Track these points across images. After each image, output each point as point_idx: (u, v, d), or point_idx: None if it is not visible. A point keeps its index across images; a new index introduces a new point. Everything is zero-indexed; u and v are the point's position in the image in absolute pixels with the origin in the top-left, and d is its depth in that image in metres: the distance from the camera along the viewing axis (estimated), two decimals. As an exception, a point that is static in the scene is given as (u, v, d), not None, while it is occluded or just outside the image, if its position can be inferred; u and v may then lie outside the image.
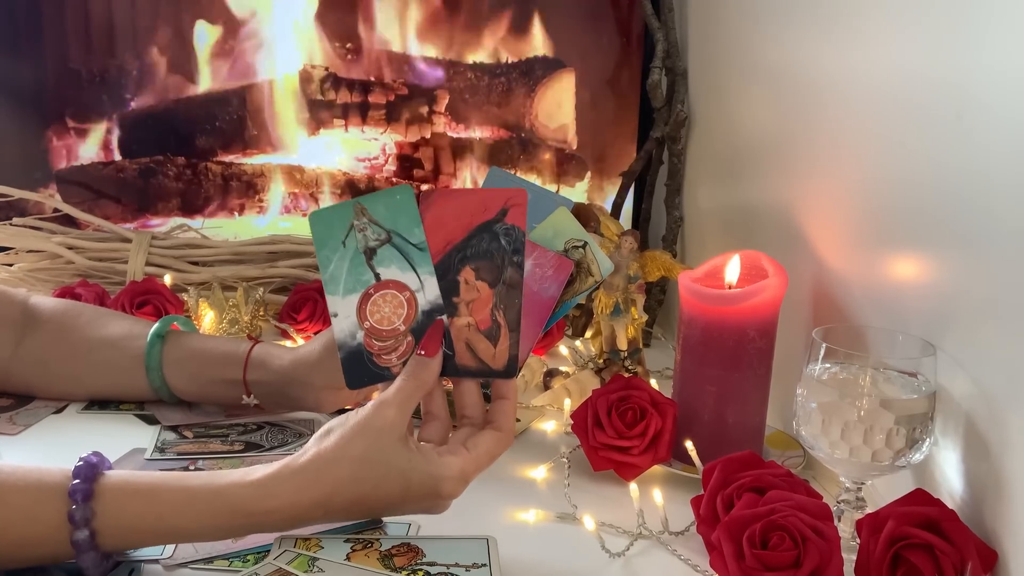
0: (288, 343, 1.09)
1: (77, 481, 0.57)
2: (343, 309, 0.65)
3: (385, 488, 0.60)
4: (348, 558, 0.61)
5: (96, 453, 0.60)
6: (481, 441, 0.63)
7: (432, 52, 1.32)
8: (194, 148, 1.32)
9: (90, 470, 0.58)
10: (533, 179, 1.35)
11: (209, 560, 0.63)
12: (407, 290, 0.65)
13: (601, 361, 0.97)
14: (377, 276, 0.65)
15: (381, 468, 0.60)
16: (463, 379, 0.65)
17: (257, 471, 0.60)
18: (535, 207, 0.68)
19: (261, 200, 1.34)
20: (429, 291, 0.65)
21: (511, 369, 0.64)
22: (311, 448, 0.60)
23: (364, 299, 0.65)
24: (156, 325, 0.87)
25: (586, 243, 0.67)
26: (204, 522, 0.59)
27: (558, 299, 0.66)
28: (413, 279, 0.65)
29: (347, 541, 0.63)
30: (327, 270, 0.65)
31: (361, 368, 0.65)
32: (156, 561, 0.63)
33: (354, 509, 0.61)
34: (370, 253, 0.65)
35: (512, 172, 1.34)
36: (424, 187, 1.35)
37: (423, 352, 0.63)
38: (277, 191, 1.34)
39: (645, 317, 0.97)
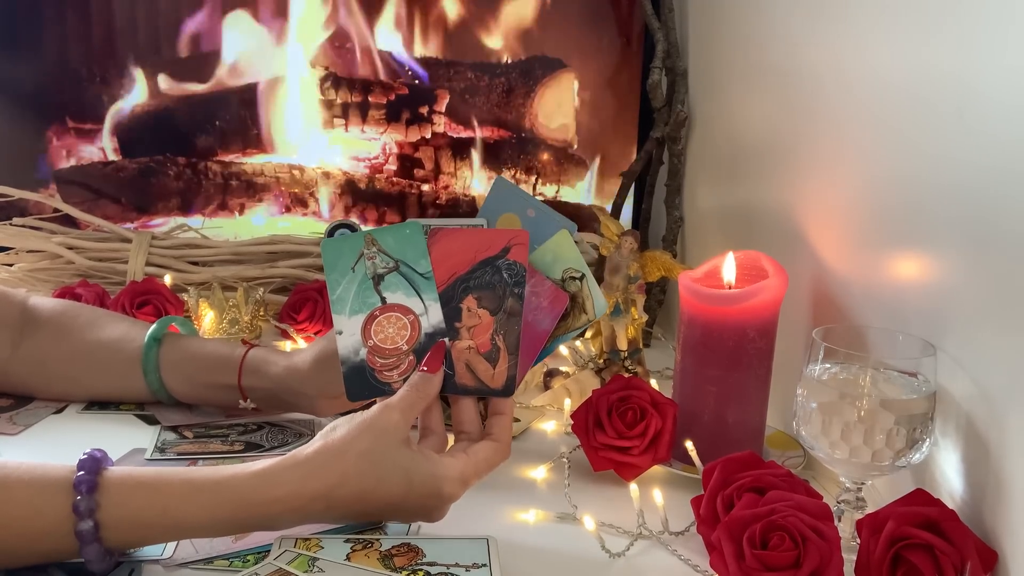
0: (288, 343, 1.09)
1: (82, 473, 0.58)
2: (348, 328, 0.68)
3: (388, 485, 0.60)
4: (348, 558, 0.61)
5: (99, 449, 0.61)
6: (480, 449, 0.65)
7: (432, 52, 1.32)
8: (194, 148, 1.32)
9: (94, 464, 0.59)
10: (533, 180, 1.35)
11: (209, 560, 0.63)
12: (411, 313, 0.68)
13: (601, 361, 0.97)
14: (383, 300, 0.68)
15: (385, 465, 0.61)
16: (461, 397, 0.67)
17: (260, 462, 0.61)
18: (538, 225, 0.70)
19: (261, 200, 1.34)
20: (432, 316, 0.67)
21: (509, 388, 0.66)
22: (317, 441, 0.61)
23: (369, 319, 0.68)
24: (153, 327, 0.87)
25: (584, 276, 0.68)
26: (208, 514, 0.59)
27: (550, 333, 0.68)
28: (418, 304, 0.68)
29: (347, 541, 0.63)
30: (335, 292, 0.68)
31: (362, 382, 0.67)
32: (156, 561, 0.63)
33: (356, 506, 0.61)
34: (378, 279, 0.68)
35: (512, 177, 1.34)
36: (426, 187, 1.35)
37: (425, 369, 0.66)
38: (277, 191, 1.34)
39: (645, 317, 0.97)
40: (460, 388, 0.67)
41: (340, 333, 0.68)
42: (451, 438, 0.68)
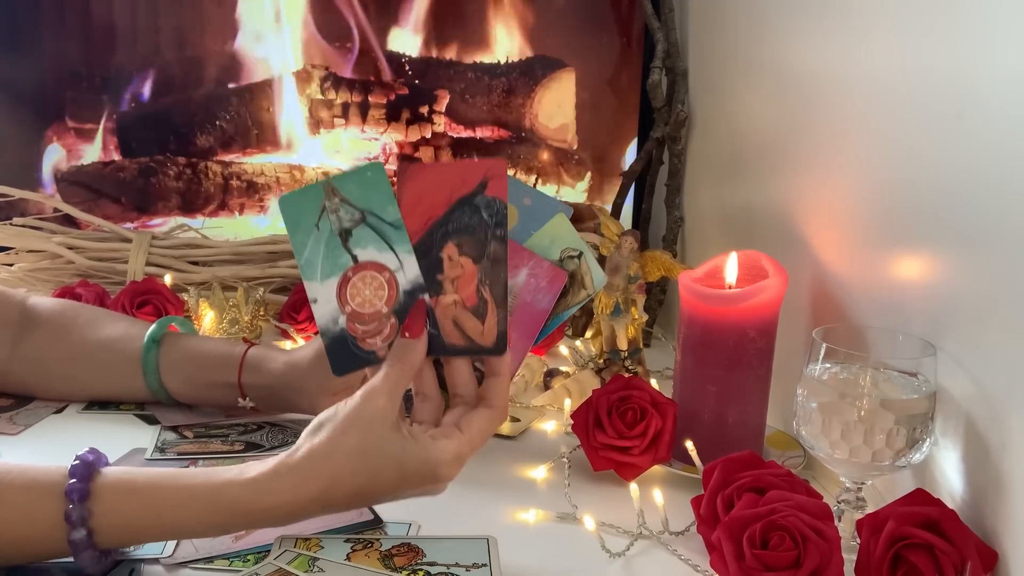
0: (288, 343, 1.09)
1: (73, 481, 0.57)
2: (322, 294, 0.63)
3: (382, 478, 0.59)
4: (348, 558, 0.61)
5: (93, 450, 0.60)
6: (475, 420, 0.62)
7: (432, 52, 1.32)
8: (194, 148, 1.32)
9: (86, 469, 0.58)
10: (532, 179, 1.35)
11: (209, 559, 0.63)
12: (386, 270, 0.63)
13: (601, 361, 0.97)
14: (355, 258, 0.63)
15: (376, 458, 0.59)
16: (453, 357, 0.63)
17: (253, 468, 0.59)
18: (534, 212, 0.68)
19: (261, 200, 1.34)
20: (409, 270, 0.63)
21: (500, 345, 0.62)
22: (304, 444, 0.60)
23: (343, 282, 0.63)
24: (152, 327, 0.87)
25: (582, 253, 0.66)
26: (202, 520, 0.59)
27: (550, 311, 0.65)
28: (391, 259, 0.63)
29: (347, 541, 0.63)
30: (302, 255, 0.63)
31: (346, 353, 0.63)
32: (156, 560, 0.63)
33: (353, 501, 0.60)
34: (345, 235, 0.63)
35: (511, 174, 1.34)
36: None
37: (407, 334, 0.62)
38: (277, 191, 1.34)
39: (645, 317, 0.97)
40: (449, 348, 0.62)
41: (315, 301, 0.63)
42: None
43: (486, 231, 0.62)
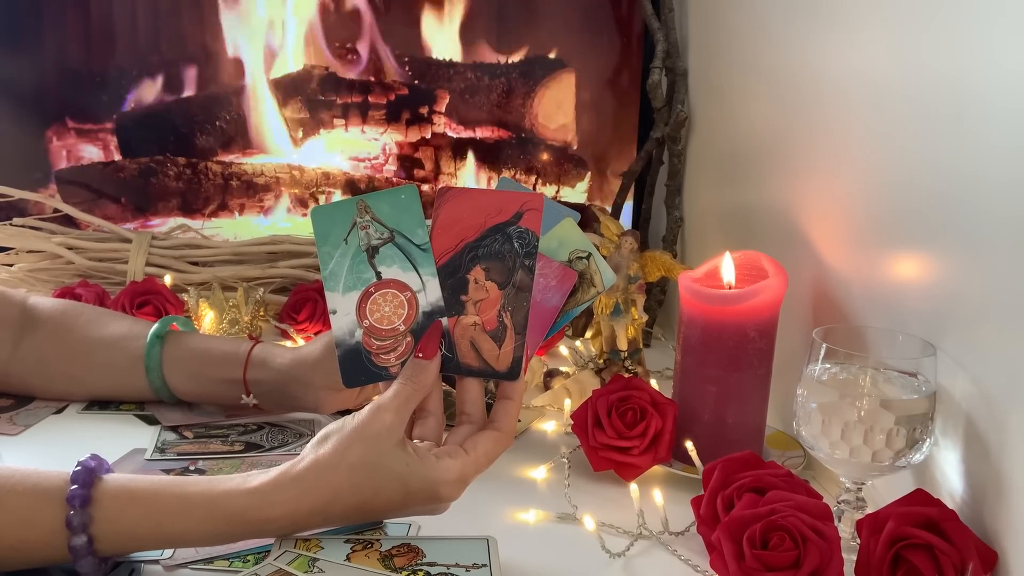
0: (288, 343, 1.09)
1: (75, 487, 0.57)
2: (342, 306, 0.64)
3: (384, 494, 0.60)
4: (348, 559, 0.61)
5: (94, 456, 0.60)
6: (480, 442, 0.62)
7: (432, 52, 1.32)
8: (194, 148, 1.32)
9: (88, 475, 0.58)
10: (533, 180, 1.35)
11: (209, 560, 0.63)
12: (408, 290, 0.64)
13: (601, 361, 0.97)
14: (378, 275, 0.64)
15: (379, 474, 0.59)
16: (465, 376, 0.64)
17: (255, 478, 0.59)
18: (543, 220, 0.68)
19: (261, 200, 1.34)
20: (431, 292, 0.64)
21: (515, 371, 0.63)
22: (308, 455, 0.60)
23: (364, 297, 0.64)
24: (156, 325, 0.87)
25: (590, 254, 0.67)
26: (202, 529, 0.58)
27: (560, 308, 0.66)
28: (415, 279, 0.64)
29: (347, 542, 0.63)
30: (327, 266, 0.64)
31: (359, 366, 0.64)
32: (156, 562, 0.63)
33: (354, 515, 0.61)
34: (372, 251, 0.65)
35: (512, 178, 1.34)
36: (425, 187, 1.35)
37: (421, 355, 0.63)
38: (277, 191, 1.34)
39: (645, 317, 0.97)
40: (464, 368, 0.64)
41: (334, 312, 0.64)
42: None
43: (515, 259, 0.64)
